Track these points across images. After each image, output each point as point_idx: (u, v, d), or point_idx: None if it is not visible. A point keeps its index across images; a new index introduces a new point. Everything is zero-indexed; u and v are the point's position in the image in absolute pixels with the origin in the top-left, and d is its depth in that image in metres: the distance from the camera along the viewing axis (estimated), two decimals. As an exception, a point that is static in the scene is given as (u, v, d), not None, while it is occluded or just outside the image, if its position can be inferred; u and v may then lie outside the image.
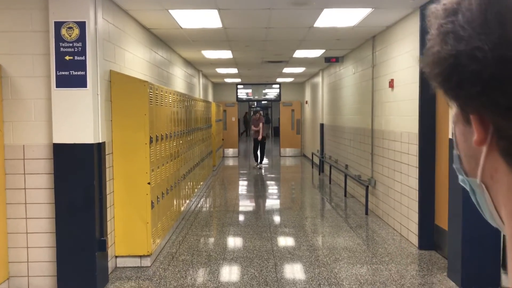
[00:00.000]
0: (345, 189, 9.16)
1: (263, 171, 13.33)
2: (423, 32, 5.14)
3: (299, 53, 9.34)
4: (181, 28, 6.57)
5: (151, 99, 5.05)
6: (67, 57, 4.14)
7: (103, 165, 4.46)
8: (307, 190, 10.68)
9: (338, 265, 5.05)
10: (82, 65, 4.16)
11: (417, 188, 5.65)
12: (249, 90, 16.80)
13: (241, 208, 8.32)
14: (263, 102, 25.70)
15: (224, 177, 12.48)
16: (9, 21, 4.24)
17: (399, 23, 6.24)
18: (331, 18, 6.06)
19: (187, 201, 7.52)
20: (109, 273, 4.69)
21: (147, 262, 5.03)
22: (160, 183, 5.47)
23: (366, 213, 7.48)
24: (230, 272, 4.95)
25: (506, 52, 0.35)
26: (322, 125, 12.84)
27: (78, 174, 4.25)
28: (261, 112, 15.06)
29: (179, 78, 9.27)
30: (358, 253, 5.51)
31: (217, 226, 7.01)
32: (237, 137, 18.13)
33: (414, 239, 5.77)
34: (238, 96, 16.74)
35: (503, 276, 4.37)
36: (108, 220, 4.64)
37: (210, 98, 15.66)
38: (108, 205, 4.65)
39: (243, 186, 11.16)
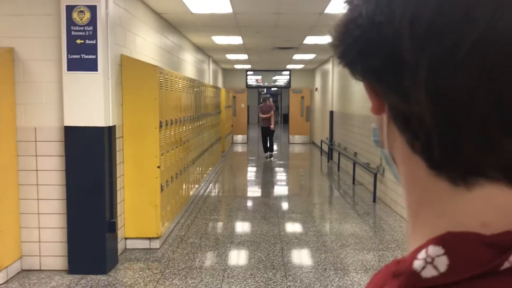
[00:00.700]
0: (354, 177, 9.17)
1: (272, 158, 12.82)
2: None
3: (309, 40, 9.30)
4: (192, 13, 6.57)
5: (161, 84, 5.08)
6: (78, 41, 4.18)
7: (114, 148, 4.52)
8: (316, 177, 10.71)
9: (344, 251, 5.09)
10: (93, 49, 4.19)
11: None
12: (259, 77, 16.77)
13: (249, 194, 8.38)
14: (272, 89, 25.68)
15: (232, 163, 12.54)
16: (21, 5, 4.27)
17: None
18: (342, 4, 6.02)
19: (196, 186, 7.59)
20: (118, 254, 4.78)
21: (156, 244, 5.11)
22: (169, 167, 5.53)
23: (374, 201, 7.50)
24: (237, 256, 5.01)
25: (377, 17, 0.37)
26: (331, 113, 12.81)
27: (88, 156, 4.31)
28: (271, 98, 13.99)
29: (189, 64, 9.29)
30: (364, 239, 5.54)
31: (225, 210, 7.08)
32: (246, 124, 18.14)
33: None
34: (248, 83, 16.72)
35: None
36: (118, 202, 4.71)
37: (219, 84, 15.67)
38: (118, 187, 4.72)
39: (251, 172, 11.21)
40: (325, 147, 13.56)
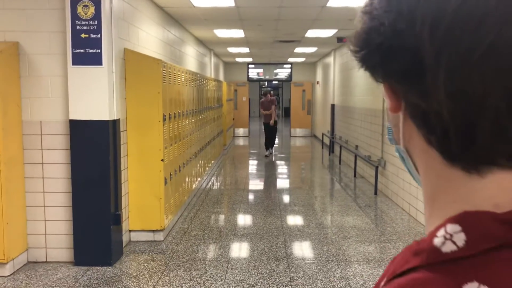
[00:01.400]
0: (355, 170, 9.22)
1: (273, 157, 11.95)
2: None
3: (311, 33, 9.31)
4: (194, 6, 6.59)
5: (165, 78, 5.11)
6: (83, 35, 4.21)
7: (118, 141, 4.57)
8: (317, 170, 10.76)
9: (346, 243, 5.15)
10: (98, 43, 4.22)
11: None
12: (260, 70, 16.77)
13: (251, 187, 8.43)
14: (274, 82, 25.65)
15: (234, 156, 12.59)
16: (26, -1, 4.30)
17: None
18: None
19: (199, 179, 7.64)
20: (123, 246, 4.84)
21: (160, 236, 5.17)
22: (173, 160, 5.58)
23: (375, 193, 7.55)
24: (240, 248, 5.07)
25: (399, 25, 0.41)
26: (333, 106, 12.83)
27: (93, 150, 4.35)
28: (272, 92, 13.00)
29: (191, 57, 9.31)
30: (366, 231, 5.60)
31: (227, 203, 7.13)
32: (247, 117, 18.16)
33: (423, 219, 5.84)
34: (249, 76, 16.73)
35: None
36: (122, 195, 4.76)
37: (221, 77, 15.68)
38: (122, 180, 4.77)
39: (253, 165, 11.26)
40: (327, 140, 13.60)
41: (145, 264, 4.52)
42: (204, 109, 8.18)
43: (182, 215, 6.25)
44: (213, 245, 5.13)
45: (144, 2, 5.71)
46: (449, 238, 0.40)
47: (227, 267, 4.41)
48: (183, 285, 4.01)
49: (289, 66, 16.70)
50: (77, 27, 4.20)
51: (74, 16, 4.19)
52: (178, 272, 4.29)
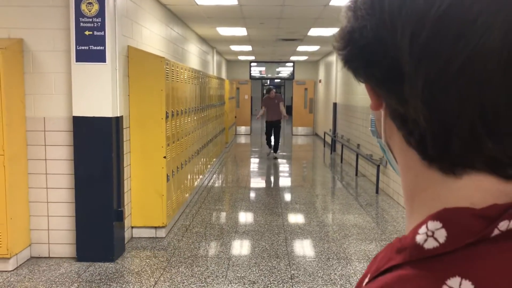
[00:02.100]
0: (357, 168, 9.24)
1: (278, 160, 11.23)
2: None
3: (314, 31, 9.32)
4: (197, 4, 6.61)
5: (167, 75, 5.14)
6: (86, 32, 4.23)
7: (121, 138, 4.59)
8: (319, 169, 10.78)
9: (347, 241, 5.17)
10: (102, 40, 4.25)
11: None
12: (263, 68, 16.78)
13: (252, 185, 8.45)
14: (276, 80, 25.65)
15: (236, 154, 12.61)
16: (30, -4, 4.33)
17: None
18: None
19: (200, 177, 7.67)
20: (125, 242, 4.87)
21: (162, 233, 5.20)
22: (175, 157, 5.60)
23: (377, 192, 7.57)
24: (241, 245, 5.10)
25: (381, 32, 0.42)
26: (335, 104, 12.84)
27: (96, 146, 4.38)
28: (274, 90, 12.14)
29: (193, 55, 9.33)
30: (367, 230, 5.62)
31: (229, 201, 7.16)
32: (249, 115, 18.19)
33: (423, 218, 5.86)
34: (252, 74, 16.74)
35: None
36: (125, 191, 4.79)
37: (223, 75, 15.70)
38: (125, 177, 4.79)
39: (255, 163, 11.28)
40: (328, 139, 13.61)
41: (147, 260, 4.55)
42: (206, 106, 8.20)
43: (184, 212, 6.27)
44: (214, 242, 5.15)
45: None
46: (431, 235, 0.41)
47: (228, 264, 4.43)
48: (185, 281, 4.04)
49: (291, 64, 16.71)
50: (81, 24, 4.23)
51: (78, 13, 4.22)
52: (180, 269, 4.32)
